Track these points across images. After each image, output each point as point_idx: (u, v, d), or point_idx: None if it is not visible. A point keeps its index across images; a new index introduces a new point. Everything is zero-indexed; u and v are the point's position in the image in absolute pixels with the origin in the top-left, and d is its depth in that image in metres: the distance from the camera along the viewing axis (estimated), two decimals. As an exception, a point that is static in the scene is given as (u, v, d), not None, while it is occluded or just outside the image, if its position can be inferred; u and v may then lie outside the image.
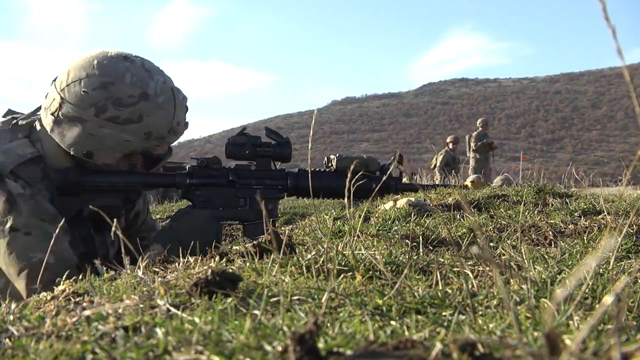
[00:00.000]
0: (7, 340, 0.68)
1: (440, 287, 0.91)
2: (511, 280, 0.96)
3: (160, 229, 1.92)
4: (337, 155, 1.92)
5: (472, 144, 11.53)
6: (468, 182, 2.02)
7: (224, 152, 1.91)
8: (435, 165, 11.35)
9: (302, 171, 1.92)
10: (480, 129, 11.80)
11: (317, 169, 1.95)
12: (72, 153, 1.72)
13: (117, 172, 1.84)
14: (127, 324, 0.68)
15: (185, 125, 1.89)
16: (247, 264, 1.11)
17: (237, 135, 1.88)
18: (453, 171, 10.56)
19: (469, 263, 1.15)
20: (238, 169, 1.88)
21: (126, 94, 1.68)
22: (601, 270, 1.04)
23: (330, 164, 1.94)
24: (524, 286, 0.88)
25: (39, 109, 1.85)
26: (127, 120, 1.69)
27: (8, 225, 1.59)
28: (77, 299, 0.94)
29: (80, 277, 1.16)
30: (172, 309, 0.77)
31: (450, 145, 11.51)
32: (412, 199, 2.09)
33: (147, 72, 1.76)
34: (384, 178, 1.96)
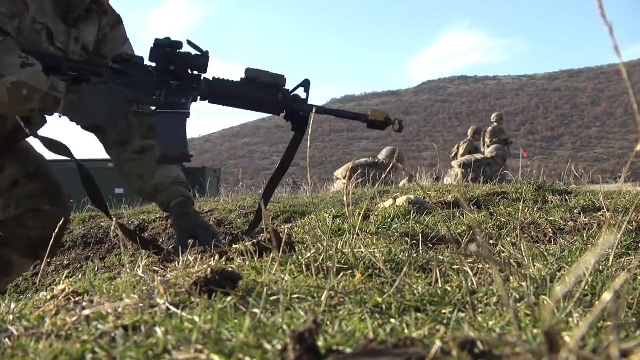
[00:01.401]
0: (7, 340, 0.68)
1: (440, 285, 0.92)
2: (511, 277, 0.96)
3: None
4: (247, 68, 1.97)
5: (487, 140, 11.36)
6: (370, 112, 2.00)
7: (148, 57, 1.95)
8: (456, 154, 11.20)
9: (215, 78, 1.98)
10: (495, 124, 11.62)
11: (229, 79, 2.00)
12: None
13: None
14: (126, 323, 0.68)
15: None
16: (247, 263, 1.11)
17: (161, 39, 1.93)
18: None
19: (469, 261, 1.15)
20: (158, 67, 1.91)
21: None
22: (600, 267, 1.04)
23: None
24: (523, 283, 0.88)
25: None
26: None
27: None
28: (76, 299, 0.94)
29: (80, 276, 1.16)
30: (172, 308, 0.77)
31: (474, 136, 11.31)
32: (412, 197, 2.09)
33: None
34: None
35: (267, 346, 0.58)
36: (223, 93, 1.92)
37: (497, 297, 0.84)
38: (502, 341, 0.54)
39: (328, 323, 0.70)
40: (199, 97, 1.93)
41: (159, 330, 0.64)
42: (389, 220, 1.75)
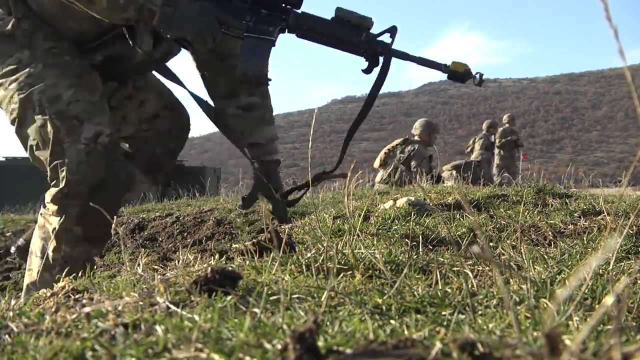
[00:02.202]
0: (7, 336, 0.68)
1: (440, 287, 0.91)
2: (511, 280, 0.96)
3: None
4: (337, 7, 2.03)
5: (497, 140, 11.13)
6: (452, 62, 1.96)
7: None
8: (472, 149, 11.01)
9: (304, 12, 2.04)
10: (506, 124, 11.42)
11: (318, 15, 2.06)
12: None
13: None
14: (126, 321, 0.68)
15: None
16: (247, 262, 1.11)
17: None
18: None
19: (469, 263, 1.15)
20: None
21: None
22: (600, 270, 1.04)
23: None
24: (523, 286, 0.88)
25: None
26: None
27: None
28: (76, 296, 0.94)
29: (80, 273, 1.16)
30: (172, 306, 0.77)
31: (489, 130, 11.11)
32: (412, 199, 2.09)
33: None
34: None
35: (267, 346, 0.58)
36: (310, 27, 1.98)
37: (497, 300, 0.84)
38: (502, 343, 0.54)
39: (328, 323, 0.70)
40: (286, 29, 2.01)
41: (159, 329, 0.64)
42: (389, 222, 1.75)
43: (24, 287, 1.92)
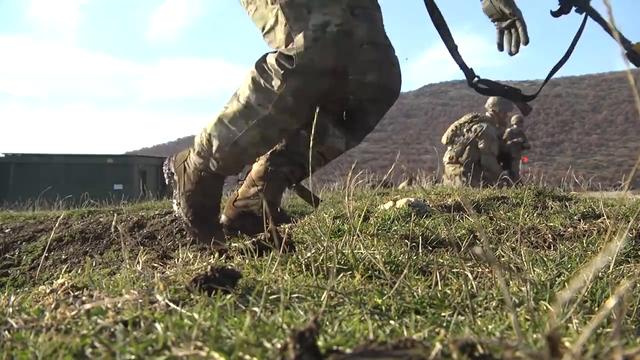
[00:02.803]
0: (7, 332, 0.68)
1: (440, 288, 0.92)
2: (510, 282, 0.96)
3: None
4: None
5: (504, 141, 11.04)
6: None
7: None
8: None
9: None
10: (514, 126, 11.32)
11: None
12: None
13: None
14: (126, 319, 0.68)
15: None
16: (247, 261, 1.11)
17: None
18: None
19: (469, 264, 1.15)
20: None
21: None
22: (600, 274, 1.04)
23: None
24: (523, 288, 0.88)
25: None
26: None
27: None
28: (76, 293, 0.94)
29: (79, 270, 1.16)
30: (172, 304, 0.77)
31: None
32: (412, 200, 2.09)
33: None
34: None
35: (267, 345, 0.58)
36: None
37: (497, 301, 0.84)
38: (502, 345, 0.54)
39: (328, 323, 0.70)
40: None
41: (158, 327, 0.64)
42: (388, 222, 1.75)
43: (215, 118, 1.94)
